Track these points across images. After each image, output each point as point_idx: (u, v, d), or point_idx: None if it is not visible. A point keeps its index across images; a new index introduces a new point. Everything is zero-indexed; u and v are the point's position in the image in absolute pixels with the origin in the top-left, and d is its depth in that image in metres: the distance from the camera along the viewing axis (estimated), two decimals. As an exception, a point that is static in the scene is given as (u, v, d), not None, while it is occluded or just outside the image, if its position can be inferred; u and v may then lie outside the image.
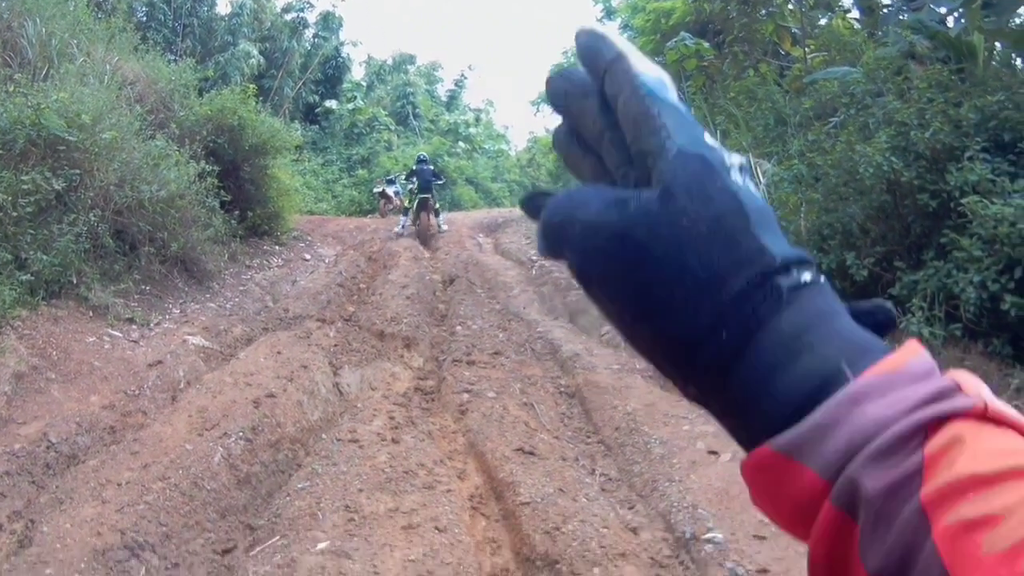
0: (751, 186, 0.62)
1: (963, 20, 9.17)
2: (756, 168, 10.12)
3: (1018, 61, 8.80)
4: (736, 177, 0.61)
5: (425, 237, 21.84)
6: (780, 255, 0.59)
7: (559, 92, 0.72)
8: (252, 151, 16.83)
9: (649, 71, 0.65)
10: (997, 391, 4.87)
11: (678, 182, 0.60)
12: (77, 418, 7.01)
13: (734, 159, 0.62)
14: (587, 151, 0.71)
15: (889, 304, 0.65)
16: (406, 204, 24.20)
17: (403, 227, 22.29)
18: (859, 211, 7.58)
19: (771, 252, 0.58)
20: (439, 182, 24.37)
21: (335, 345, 10.24)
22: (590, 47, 0.70)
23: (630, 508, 6.22)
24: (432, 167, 23.46)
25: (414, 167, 23.23)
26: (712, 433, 7.37)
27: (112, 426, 7.18)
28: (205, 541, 5.61)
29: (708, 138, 0.63)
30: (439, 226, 22.80)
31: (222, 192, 14.36)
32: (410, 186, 23.69)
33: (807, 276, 0.59)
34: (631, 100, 0.64)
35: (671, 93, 0.65)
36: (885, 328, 0.63)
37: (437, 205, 23.42)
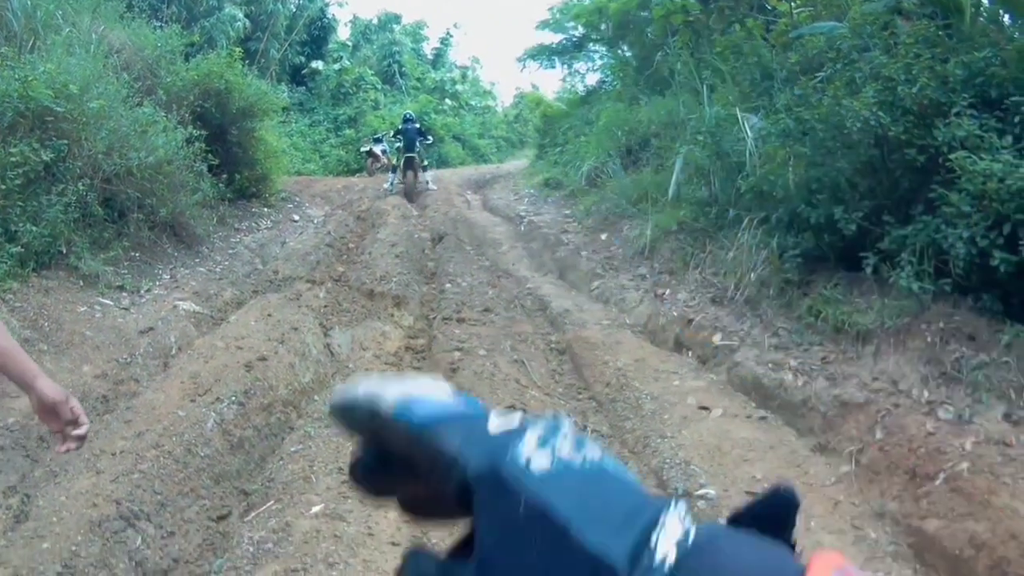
0: (562, 445, 0.57)
1: (950, -25, 9.14)
2: (743, 122, 10.11)
3: (1006, 17, 8.76)
4: (538, 461, 0.56)
5: (412, 195, 22.02)
6: (621, 550, 0.51)
7: (349, 424, 0.67)
8: (239, 114, 16.81)
9: (417, 392, 0.63)
10: (987, 347, 4.93)
11: (485, 543, 0.55)
12: (70, 388, 6.87)
13: (531, 439, 0.58)
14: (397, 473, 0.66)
15: (788, 486, 0.59)
16: (394, 162, 24.70)
17: (392, 184, 22.89)
18: (847, 165, 7.58)
19: (606, 557, 0.51)
20: (427, 141, 24.56)
21: (325, 306, 10.26)
22: (347, 419, 0.66)
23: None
24: (418, 126, 23.55)
25: (400, 126, 23.42)
26: (703, 388, 7.47)
27: (105, 395, 7.23)
28: (200, 508, 5.63)
29: (493, 422, 0.60)
30: (427, 183, 23.25)
31: (210, 156, 14.35)
32: (397, 144, 24.09)
33: (665, 553, 0.51)
34: (411, 447, 0.61)
35: (445, 397, 0.63)
36: (790, 513, 0.58)
37: (425, 163, 23.85)
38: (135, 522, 5.16)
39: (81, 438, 2.51)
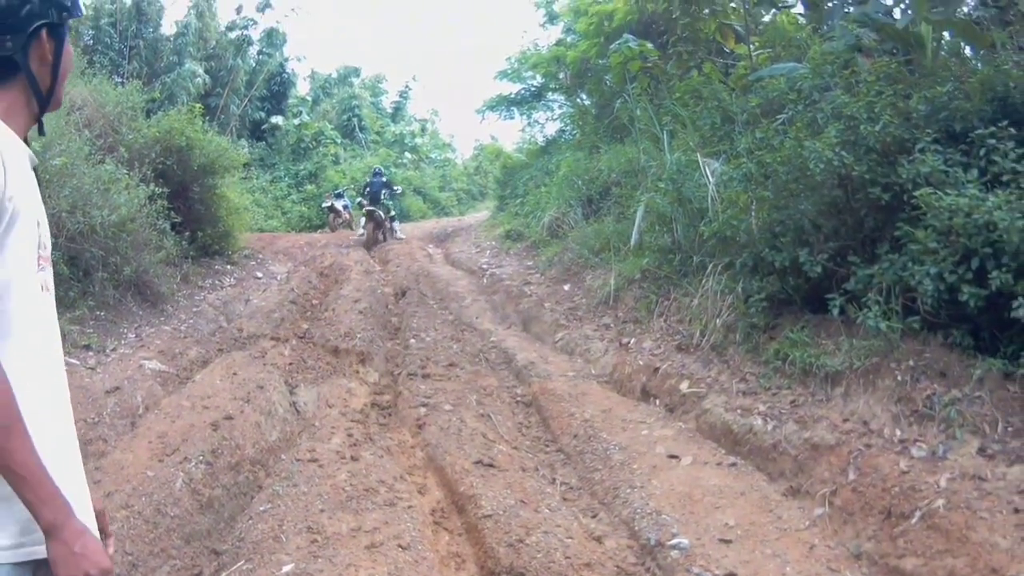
0: None
1: (910, 11, 9.20)
2: (705, 168, 10.12)
3: (967, 50, 8.83)
4: None
5: (371, 247, 22.99)
6: None
7: None
8: (201, 171, 16.71)
9: None
10: (959, 382, 4.88)
11: None
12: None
13: None
14: None
15: None
16: (359, 215, 25.74)
17: (361, 235, 24.22)
18: (811, 207, 7.55)
19: None
20: (395, 191, 26.89)
21: (290, 363, 10.17)
22: None
23: (593, 516, 6.22)
24: (384, 179, 25.18)
25: (368, 179, 25.45)
26: (672, 437, 7.44)
27: None
28: (171, 568, 5.56)
29: None
30: (395, 233, 24.88)
31: (172, 214, 14.30)
32: (359, 199, 25.68)
33: None
34: None
35: None
36: None
37: (392, 214, 25.70)
38: (106, 582, 5.02)
39: None
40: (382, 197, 24.22)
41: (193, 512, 6.15)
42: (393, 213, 25.97)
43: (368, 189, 24.43)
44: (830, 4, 12.48)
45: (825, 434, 6.21)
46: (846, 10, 11.40)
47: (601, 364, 10.08)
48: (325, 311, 13.56)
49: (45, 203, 7.75)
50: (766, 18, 15.28)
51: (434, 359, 10.44)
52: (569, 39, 25.71)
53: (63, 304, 10.10)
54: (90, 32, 31.56)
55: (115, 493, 6.04)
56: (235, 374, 9.11)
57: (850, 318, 6.82)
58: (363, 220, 24.58)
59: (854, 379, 6.55)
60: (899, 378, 6.14)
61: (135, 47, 33.34)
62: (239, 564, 5.43)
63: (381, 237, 23.87)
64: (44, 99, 2.22)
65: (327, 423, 8.33)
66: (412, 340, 11.57)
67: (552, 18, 27.89)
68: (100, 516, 2.26)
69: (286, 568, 5.18)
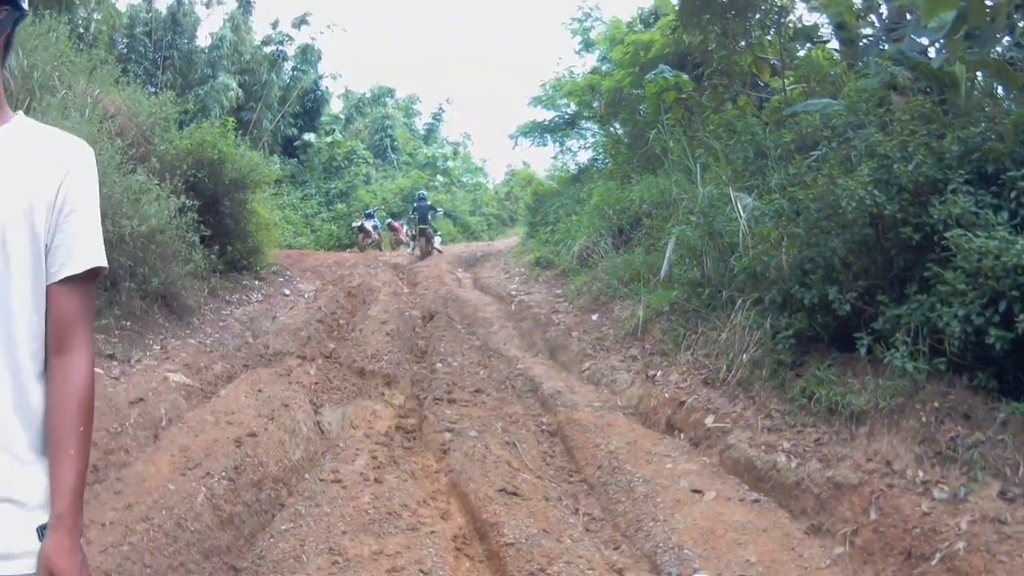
0: None
1: (944, 51, 9.17)
2: (736, 202, 10.09)
3: (1000, 91, 8.79)
4: None
5: (425, 256, 27.16)
6: None
7: None
8: (232, 185, 16.64)
9: None
10: (982, 425, 4.86)
11: None
12: None
13: None
14: None
15: None
16: (413, 233, 30.04)
17: (412, 249, 29.05)
18: (841, 245, 7.51)
19: None
20: (437, 213, 30.99)
21: (316, 383, 10.15)
22: None
23: (615, 548, 6.20)
24: (428, 202, 29.62)
25: (415, 204, 29.67)
26: (696, 471, 7.38)
27: (95, 464, 6.94)
28: None
29: None
30: (437, 247, 28.42)
31: (202, 227, 14.18)
32: (411, 216, 30.63)
33: None
34: None
35: None
36: None
37: (436, 231, 29.67)
38: (123, 595, 4.98)
39: None
40: (428, 217, 28.24)
41: (213, 528, 6.16)
42: (436, 231, 29.53)
43: (417, 211, 28.72)
44: (865, 41, 12.48)
45: (848, 473, 6.19)
46: (881, 47, 11.39)
47: (627, 395, 10.02)
48: (352, 331, 13.55)
49: None
50: (801, 52, 15.26)
51: (460, 384, 10.43)
52: (604, 68, 25.69)
53: None
54: (124, 41, 31.96)
55: (135, 505, 6.07)
56: (260, 391, 9.14)
57: (877, 358, 6.78)
58: (413, 239, 29.49)
59: (879, 419, 6.52)
60: (923, 419, 6.11)
61: (169, 57, 33.62)
62: None
63: (430, 250, 27.69)
64: None
65: (351, 444, 8.34)
66: (439, 364, 11.57)
67: (588, 46, 27.83)
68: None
69: (306, 589, 5.15)
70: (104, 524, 5.75)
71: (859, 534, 5.66)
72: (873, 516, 5.66)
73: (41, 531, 1.99)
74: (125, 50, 31.45)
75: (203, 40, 36.72)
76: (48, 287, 2.09)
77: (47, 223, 2.08)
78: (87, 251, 2.12)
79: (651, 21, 23.34)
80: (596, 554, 5.93)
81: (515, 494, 6.95)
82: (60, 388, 2.06)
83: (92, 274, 2.15)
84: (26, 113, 7.30)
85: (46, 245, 2.08)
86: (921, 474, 5.77)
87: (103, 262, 2.16)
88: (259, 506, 6.79)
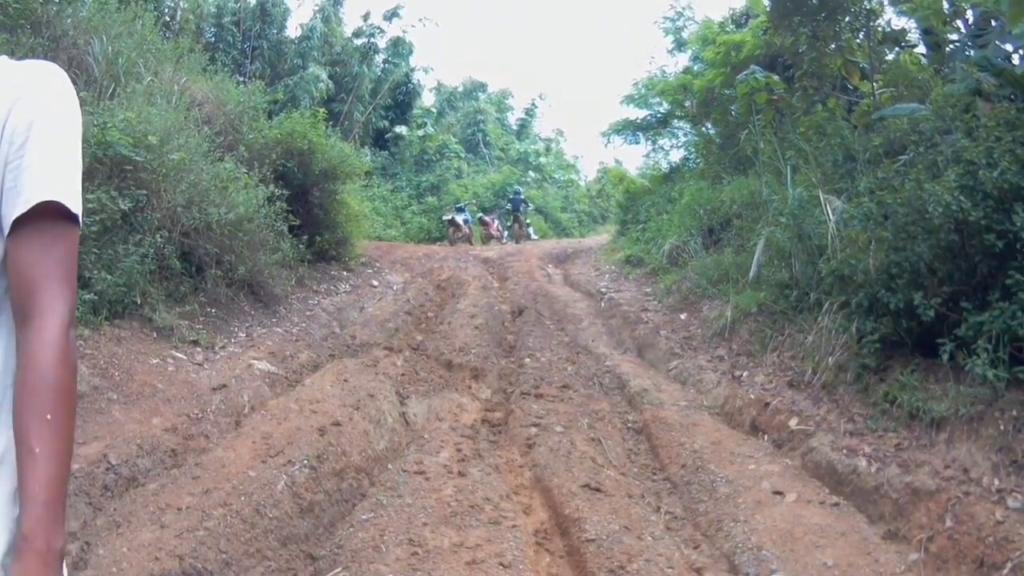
0: None
1: (1028, 57, 9.11)
2: (826, 205, 10.07)
3: (1085, 95, 8.69)
4: None
5: (519, 241, 31.81)
6: None
7: None
8: (321, 176, 16.81)
9: None
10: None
11: None
12: (138, 440, 7.07)
13: None
14: None
15: None
16: (508, 224, 33.71)
17: (507, 238, 32.66)
18: (927, 250, 7.47)
19: None
20: (529, 207, 35.38)
21: (403, 374, 10.27)
22: None
23: (695, 548, 6.22)
24: (523, 196, 34.25)
25: (511, 197, 34.15)
26: (777, 473, 7.37)
27: (174, 449, 7.27)
28: (265, 570, 5.66)
29: None
30: (531, 236, 33.31)
31: (290, 216, 14.39)
32: (504, 210, 34.46)
33: None
34: None
35: None
36: None
37: (528, 221, 34.28)
38: (197, 579, 5.18)
39: None
40: (521, 209, 32.90)
41: (292, 515, 6.31)
42: (529, 221, 34.31)
43: (512, 203, 33.29)
44: (951, 46, 12.37)
45: (926, 479, 6.19)
46: (967, 52, 11.29)
47: (713, 395, 10.04)
48: (440, 324, 13.70)
49: (160, 196, 7.82)
50: (890, 56, 15.13)
51: (548, 380, 10.47)
52: (696, 67, 25.55)
53: (173, 298, 10.31)
54: (212, 30, 32.14)
55: (214, 491, 6.25)
56: (346, 381, 9.30)
57: (959, 364, 6.75)
58: (508, 229, 33.41)
59: (958, 426, 6.51)
60: (1002, 427, 6.10)
61: (258, 47, 33.86)
62: (336, 571, 5.52)
63: (524, 234, 32.45)
64: None
65: (436, 436, 8.40)
66: (527, 359, 11.62)
67: (680, 45, 27.61)
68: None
69: (384, 579, 5.21)
70: (180, 509, 5.91)
71: (934, 540, 5.66)
72: (948, 523, 5.66)
73: None
74: (213, 39, 31.70)
75: (292, 31, 37.05)
76: (7, 242, 1.71)
77: None
78: (38, 185, 1.69)
79: (742, 22, 23.19)
80: (676, 552, 5.97)
81: (598, 490, 6.98)
82: (21, 368, 1.64)
83: (54, 215, 1.71)
84: (110, 98, 7.41)
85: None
86: (997, 482, 5.77)
87: (59, 196, 1.71)
88: (340, 495, 6.91)
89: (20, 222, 1.67)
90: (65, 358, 1.65)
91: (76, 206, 1.73)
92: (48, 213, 1.69)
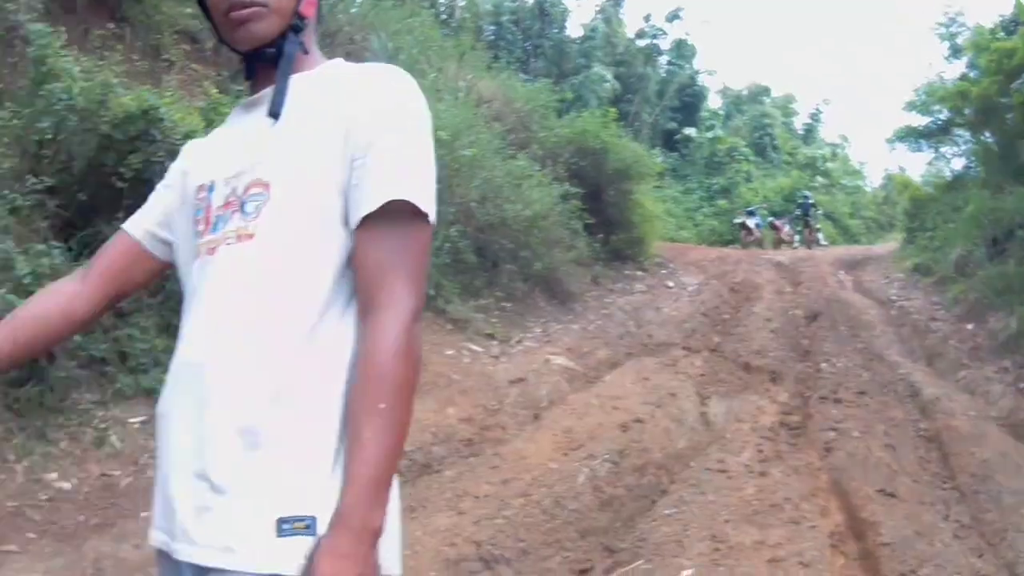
0: None
1: None
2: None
3: None
4: None
5: (810, 245, 30.70)
6: None
7: None
8: (615, 175, 16.96)
9: None
10: None
11: None
12: (433, 428, 7.33)
13: None
14: None
15: None
16: (798, 228, 32.61)
17: (797, 244, 31.63)
18: None
19: None
20: (819, 212, 34.48)
21: (702, 375, 10.30)
22: None
23: (979, 556, 6.10)
24: (811, 201, 33.03)
25: (799, 200, 33.05)
26: (1069, 487, 7.18)
27: (470, 439, 7.53)
28: (562, 559, 5.62)
29: None
30: (820, 241, 31.95)
31: (585, 215, 14.64)
32: (795, 215, 32.86)
33: None
34: None
35: None
36: None
37: (819, 226, 33.24)
38: (494, 566, 5.30)
39: None
40: (811, 213, 32.01)
41: (592, 508, 6.29)
42: (819, 226, 33.18)
43: (801, 208, 32.16)
44: None
45: None
46: None
47: (999, 407, 9.86)
48: (736, 327, 13.78)
49: (453, 192, 7.97)
50: None
51: (844, 385, 10.27)
52: (971, 74, 24.75)
53: (468, 291, 10.67)
54: (491, 28, 32.57)
55: (513, 481, 6.41)
56: (646, 379, 9.51)
57: None
58: (799, 233, 32.33)
59: None
60: None
61: (539, 46, 34.39)
62: (637, 563, 5.52)
63: (814, 239, 31.36)
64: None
65: (737, 436, 8.31)
66: (823, 364, 11.45)
67: (956, 52, 26.79)
68: None
69: (685, 573, 5.29)
70: (478, 496, 6.11)
71: None
72: None
73: (281, 523, 1.56)
74: (493, 38, 31.83)
75: (574, 31, 37.44)
76: (355, 239, 1.71)
77: (341, 174, 1.72)
78: (381, 186, 1.68)
79: (1012, 28, 22.35)
80: (962, 560, 5.91)
81: (893, 496, 6.91)
82: (360, 359, 1.65)
83: (402, 213, 1.70)
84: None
85: (345, 195, 1.72)
86: None
87: (407, 195, 1.70)
88: (640, 490, 6.85)
89: (368, 220, 1.68)
90: (406, 351, 1.64)
91: (424, 203, 1.72)
92: (396, 211, 1.68)
